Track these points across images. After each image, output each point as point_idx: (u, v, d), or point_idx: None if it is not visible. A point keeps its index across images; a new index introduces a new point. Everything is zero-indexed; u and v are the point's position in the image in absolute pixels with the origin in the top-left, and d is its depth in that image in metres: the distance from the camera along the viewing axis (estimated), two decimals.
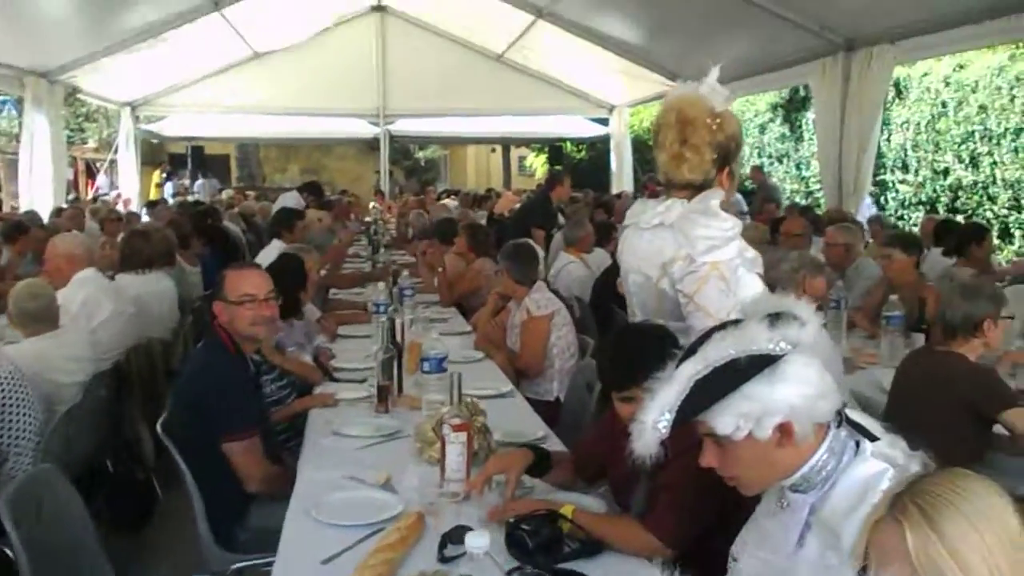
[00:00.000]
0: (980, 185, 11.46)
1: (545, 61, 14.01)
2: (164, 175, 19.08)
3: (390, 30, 14.41)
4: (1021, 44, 10.77)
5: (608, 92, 14.70)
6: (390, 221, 12.25)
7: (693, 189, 2.52)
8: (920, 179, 12.38)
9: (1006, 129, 11.01)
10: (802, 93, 13.79)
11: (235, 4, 11.48)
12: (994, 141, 11.21)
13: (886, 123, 13.01)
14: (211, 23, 11.71)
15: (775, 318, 1.69)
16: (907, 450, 1.72)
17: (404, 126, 15.73)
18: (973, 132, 11.47)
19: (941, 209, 11.92)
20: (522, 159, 27.12)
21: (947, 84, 11.89)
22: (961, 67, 11.80)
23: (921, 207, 12.35)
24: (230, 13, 11.75)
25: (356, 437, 2.93)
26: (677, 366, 1.71)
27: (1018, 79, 10.88)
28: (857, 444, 1.73)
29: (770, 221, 7.85)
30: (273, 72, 14.13)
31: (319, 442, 2.92)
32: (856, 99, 8.50)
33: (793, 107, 14.92)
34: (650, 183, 11.67)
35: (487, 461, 2.38)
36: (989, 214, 11.26)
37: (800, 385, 1.64)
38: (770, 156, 15.86)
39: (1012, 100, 10.91)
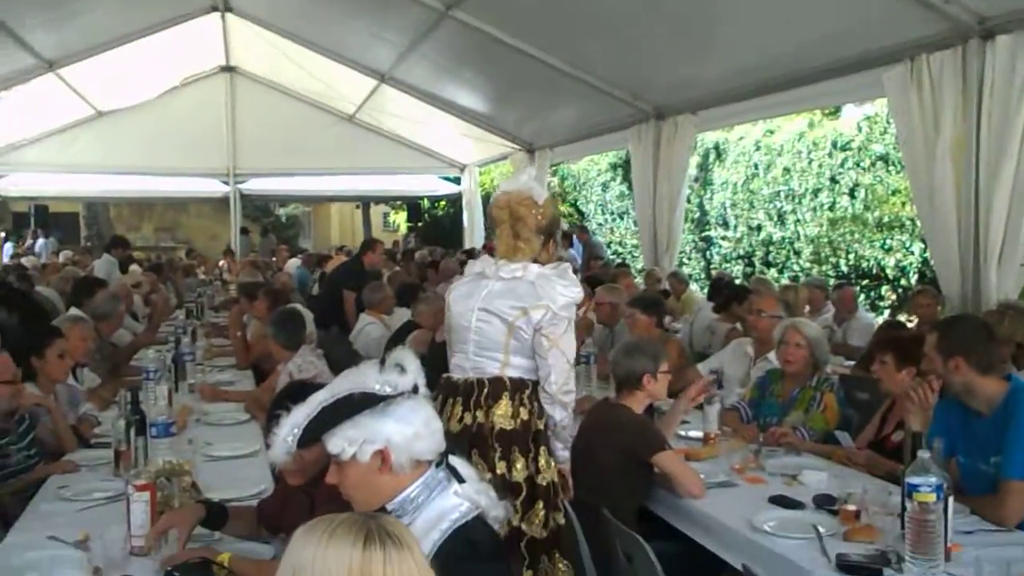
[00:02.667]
0: (787, 240, 12.42)
1: (396, 122, 14.36)
2: (2, 236, 18.43)
3: (240, 90, 14.50)
4: (817, 113, 11.84)
5: (457, 152, 15.20)
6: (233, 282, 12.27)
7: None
8: (738, 235, 13.31)
9: (806, 190, 12.02)
10: None
11: (73, 64, 11.48)
12: (797, 200, 12.20)
13: (708, 183, 13.96)
14: (47, 83, 11.63)
15: (383, 365, 2.06)
16: (491, 496, 2.09)
17: (256, 185, 15.79)
18: (779, 192, 12.46)
19: (756, 263, 12.83)
20: (385, 215, 27.45)
21: (758, 148, 12.89)
22: (771, 132, 12.83)
23: (740, 261, 13.25)
24: (67, 73, 11.71)
25: (77, 500, 3.11)
26: None
27: (815, 144, 11.92)
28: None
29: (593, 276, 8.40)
30: (119, 131, 13.97)
31: (39, 506, 3.08)
32: (666, 163, 9.18)
33: (631, 168, 15.76)
34: (489, 243, 12.14)
35: (161, 518, 2.60)
36: (796, 267, 12.21)
37: (401, 423, 2.02)
38: (612, 213, 16.66)
39: (810, 163, 11.94)
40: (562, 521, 3.17)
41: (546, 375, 3.10)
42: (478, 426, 3.09)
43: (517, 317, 3.09)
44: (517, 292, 3.11)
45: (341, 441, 2.00)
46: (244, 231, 17.98)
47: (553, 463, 3.17)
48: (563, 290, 3.11)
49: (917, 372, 3.52)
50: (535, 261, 3.15)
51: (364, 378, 2.03)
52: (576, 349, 5.70)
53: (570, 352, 3.13)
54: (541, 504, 3.08)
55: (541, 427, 3.16)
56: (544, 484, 3.11)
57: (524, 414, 3.13)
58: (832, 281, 9.88)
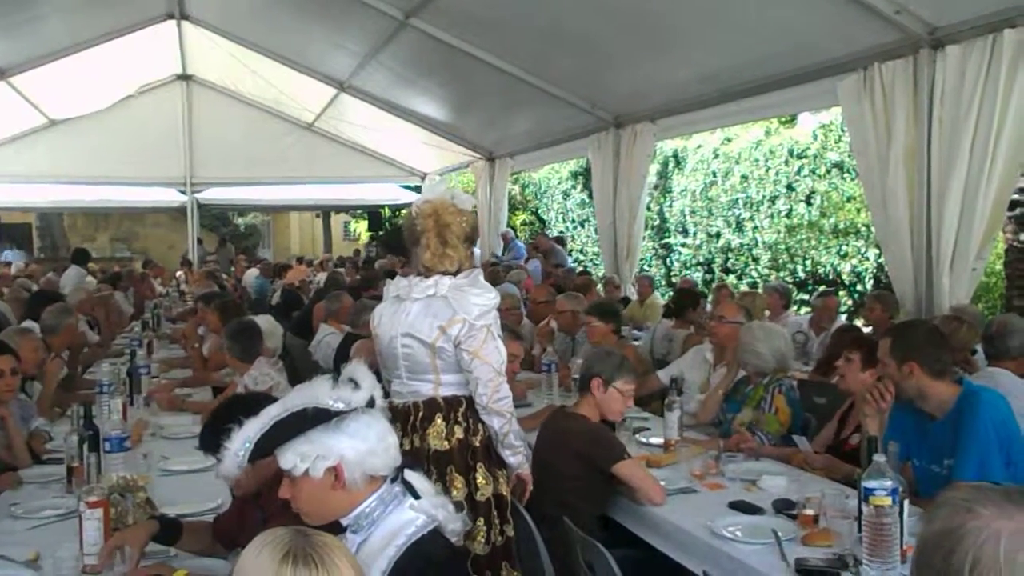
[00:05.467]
0: (745, 247, 12.56)
1: (356, 131, 14.27)
2: None
3: (196, 98, 14.34)
4: (774, 121, 11.99)
5: (418, 161, 15.15)
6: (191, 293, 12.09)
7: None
8: (698, 242, 13.43)
9: (764, 197, 12.16)
10: None
11: (25, 72, 11.27)
12: (755, 207, 12.34)
13: (668, 190, 14.07)
14: None
15: (336, 380, 2.03)
16: (449, 509, 2.07)
17: (214, 194, 15.60)
18: (738, 199, 12.59)
19: (716, 269, 12.95)
20: (346, 224, 27.32)
21: (716, 156, 13.03)
22: (728, 140, 12.97)
23: (700, 267, 13.37)
24: (19, 81, 11.50)
25: (28, 518, 3.04)
26: None
27: (772, 152, 12.07)
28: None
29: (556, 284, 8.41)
30: (73, 140, 13.75)
31: None
32: (625, 171, 9.23)
33: (591, 176, 15.84)
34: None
35: (113, 535, 2.55)
36: (754, 274, 12.34)
37: (355, 439, 1.99)
38: (573, 221, 16.73)
39: (767, 171, 12.08)
40: (511, 533, 3.14)
41: (474, 388, 3.08)
42: (415, 450, 3.07)
43: (437, 338, 3.06)
44: (433, 310, 3.08)
45: (293, 457, 1.97)
46: (198, 241, 17.77)
47: (497, 478, 3.14)
48: (476, 299, 3.07)
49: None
50: (459, 269, 3.12)
51: (317, 393, 1.99)
52: (534, 357, 5.82)
53: (494, 359, 3.07)
54: (482, 521, 3.06)
55: (477, 444, 3.13)
56: (483, 500, 3.09)
57: (459, 432, 3.11)
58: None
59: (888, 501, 2.50)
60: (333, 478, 1.98)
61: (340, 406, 1.98)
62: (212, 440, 2.24)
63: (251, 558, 1.48)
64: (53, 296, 6.15)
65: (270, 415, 1.98)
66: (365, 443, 2.00)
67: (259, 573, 1.44)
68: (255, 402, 2.29)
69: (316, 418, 1.96)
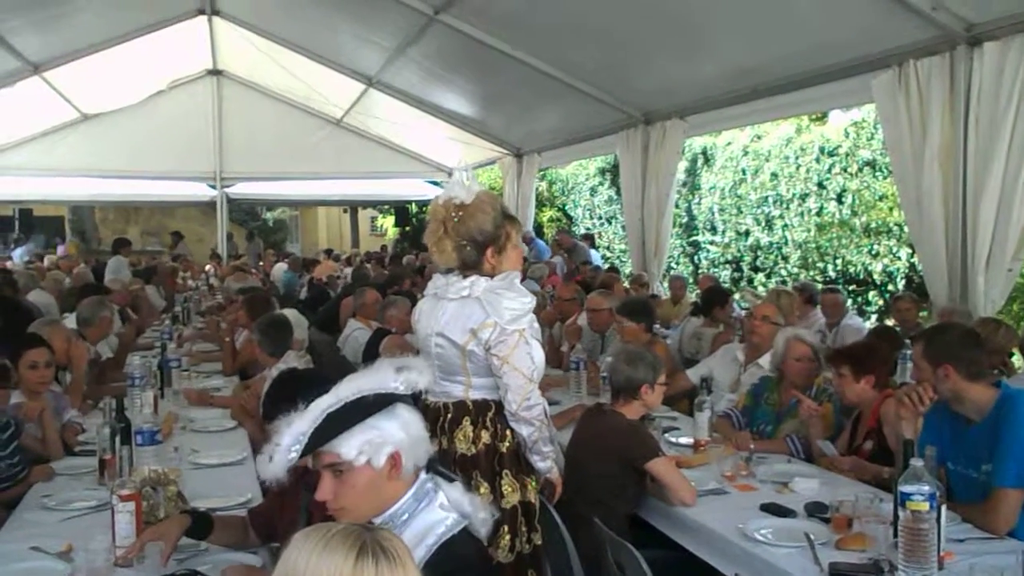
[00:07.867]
0: (775, 245, 12.43)
1: (383, 126, 14.34)
2: None
3: (227, 94, 14.46)
4: (804, 118, 11.86)
5: (445, 157, 15.16)
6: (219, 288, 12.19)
7: (465, 268, 3.05)
8: (726, 240, 13.32)
9: (794, 195, 12.03)
10: None
11: (58, 67, 11.40)
12: (784, 205, 12.22)
13: (696, 188, 13.97)
14: (32, 86, 11.55)
15: (400, 367, 2.01)
16: (477, 503, 2.05)
17: (244, 189, 15.72)
18: (767, 197, 12.47)
19: (744, 267, 12.83)
20: (373, 219, 27.41)
21: (746, 153, 12.90)
22: (758, 137, 12.84)
23: (728, 265, 13.26)
24: (52, 76, 11.63)
25: (61, 510, 3.07)
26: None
27: (802, 149, 11.94)
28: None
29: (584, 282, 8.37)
30: (105, 134, 13.91)
31: (22, 516, 3.03)
32: (654, 168, 9.17)
33: (619, 172, 15.77)
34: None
35: (146, 530, 2.57)
36: (784, 272, 12.22)
37: (408, 425, 1.99)
38: (600, 217, 16.66)
39: (797, 168, 11.95)
40: (538, 541, 3.09)
41: (504, 394, 3.02)
42: (442, 452, 3.01)
43: (468, 341, 3.00)
44: (466, 312, 3.01)
45: (358, 445, 1.91)
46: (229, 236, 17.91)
47: (525, 485, 3.08)
48: (509, 303, 2.99)
49: (876, 381, 3.61)
50: (465, 267, 3.03)
51: (380, 378, 1.97)
52: (563, 356, 5.80)
53: (525, 366, 2.99)
54: (506, 528, 3.00)
55: (504, 450, 3.07)
56: (508, 507, 3.03)
57: (486, 437, 3.06)
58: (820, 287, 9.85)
59: (926, 506, 2.46)
60: (391, 466, 1.95)
61: (404, 389, 1.96)
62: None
63: (313, 556, 1.39)
64: (100, 289, 6.20)
65: (321, 407, 1.93)
66: (417, 430, 2.00)
67: (329, 571, 1.37)
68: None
69: (376, 404, 1.93)
